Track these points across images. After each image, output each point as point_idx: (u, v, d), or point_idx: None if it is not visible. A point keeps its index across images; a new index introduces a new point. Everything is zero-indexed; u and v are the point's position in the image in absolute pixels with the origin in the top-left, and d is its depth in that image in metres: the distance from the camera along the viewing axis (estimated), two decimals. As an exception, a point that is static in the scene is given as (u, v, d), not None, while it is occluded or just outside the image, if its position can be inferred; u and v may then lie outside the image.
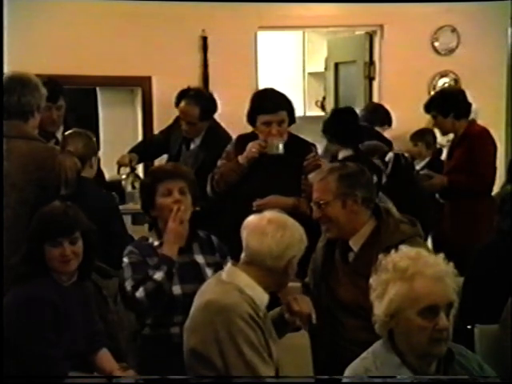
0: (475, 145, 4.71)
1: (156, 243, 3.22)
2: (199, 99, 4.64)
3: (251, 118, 3.91)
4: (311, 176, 3.27)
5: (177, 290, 3.12)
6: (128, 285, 3.08)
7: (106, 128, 6.17)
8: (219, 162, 4.02)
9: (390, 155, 4.42)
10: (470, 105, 4.87)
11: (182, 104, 4.69)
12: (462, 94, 4.98)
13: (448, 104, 4.75)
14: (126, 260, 3.17)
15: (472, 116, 6.18)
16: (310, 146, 4.01)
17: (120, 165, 5.09)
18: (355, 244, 3.04)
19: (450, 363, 2.27)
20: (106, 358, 3.05)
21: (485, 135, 4.82)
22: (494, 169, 4.78)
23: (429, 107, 4.84)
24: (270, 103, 3.84)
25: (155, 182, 3.25)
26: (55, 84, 4.39)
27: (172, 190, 3.19)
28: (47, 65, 5.51)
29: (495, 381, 2.36)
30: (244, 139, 3.99)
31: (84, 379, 2.90)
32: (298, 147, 3.94)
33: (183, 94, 4.73)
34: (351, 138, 4.38)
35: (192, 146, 4.74)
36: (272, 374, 2.58)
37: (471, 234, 4.47)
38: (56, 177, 3.55)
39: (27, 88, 3.54)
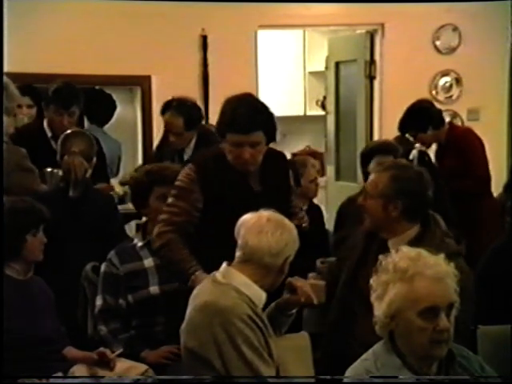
0: (463, 148, 4.71)
1: (140, 244, 3.29)
2: (182, 109, 4.57)
3: (220, 132, 3.14)
4: (372, 164, 3.15)
5: (155, 290, 3.19)
6: (97, 304, 3.29)
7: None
8: (170, 200, 3.12)
9: (413, 153, 4.39)
10: (441, 111, 4.88)
11: (166, 116, 4.66)
12: (430, 104, 4.95)
13: (424, 120, 4.71)
14: (102, 267, 3.28)
15: (474, 115, 6.18)
16: (283, 157, 3.37)
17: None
18: (394, 246, 2.90)
19: (451, 364, 2.26)
20: (72, 351, 3.08)
21: (469, 135, 4.82)
22: (487, 165, 4.77)
23: (404, 129, 4.73)
24: (241, 121, 3.00)
25: (153, 184, 3.26)
26: (71, 90, 4.37)
27: (167, 194, 3.20)
28: (47, 64, 5.53)
29: (496, 381, 2.34)
30: (205, 166, 3.15)
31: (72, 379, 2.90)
32: (274, 160, 3.24)
33: (167, 106, 4.69)
34: None
35: (185, 158, 4.68)
36: (273, 374, 2.58)
37: (473, 234, 4.45)
38: (18, 178, 3.54)
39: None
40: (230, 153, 3.07)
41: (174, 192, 3.12)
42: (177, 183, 3.13)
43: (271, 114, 3.12)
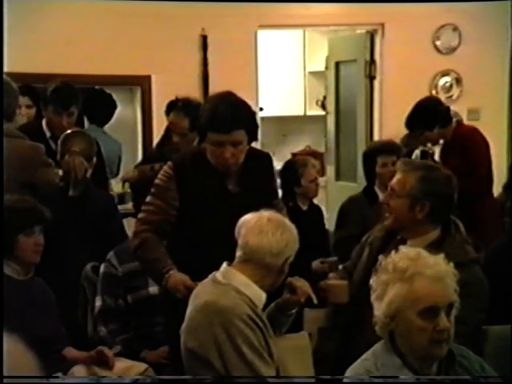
0: (468, 146, 4.67)
1: None
2: (188, 110, 4.44)
3: (200, 131, 3.03)
4: (399, 162, 3.06)
5: (154, 290, 3.22)
6: (96, 305, 3.35)
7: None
8: (148, 198, 3.05)
9: (416, 152, 4.36)
10: (449, 109, 4.83)
11: (171, 116, 4.59)
12: (439, 102, 4.91)
13: (431, 118, 4.66)
14: (102, 268, 3.29)
15: (474, 115, 6.15)
16: (267, 157, 3.25)
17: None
18: (413, 246, 2.94)
19: (451, 364, 2.25)
20: (72, 351, 3.10)
21: (475, 135, 4.78)
22: (491, 166, 4.75)
23: (411, 126, 4.70)
24: (222, 120, 2.90)
25: None
26: (69, 90, 4.35)
27: None
28: (47, 64, 5.52)
29: (496, 381, 2.34)
30: (183, 164, 3.08)
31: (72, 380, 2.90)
32: (257, 161, 3.13)
33: (172, 106, 4.65)
34: None
35: None
36: (273, 374, 2.58)
37: (473, 234, 4.44)
38: (43, 174, 3.54)
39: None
40: (210, 152, 2.98)
41: (152, 190, 3.05)
42: (155, 181, 3.06)
43: (253, 113, 3.06)
